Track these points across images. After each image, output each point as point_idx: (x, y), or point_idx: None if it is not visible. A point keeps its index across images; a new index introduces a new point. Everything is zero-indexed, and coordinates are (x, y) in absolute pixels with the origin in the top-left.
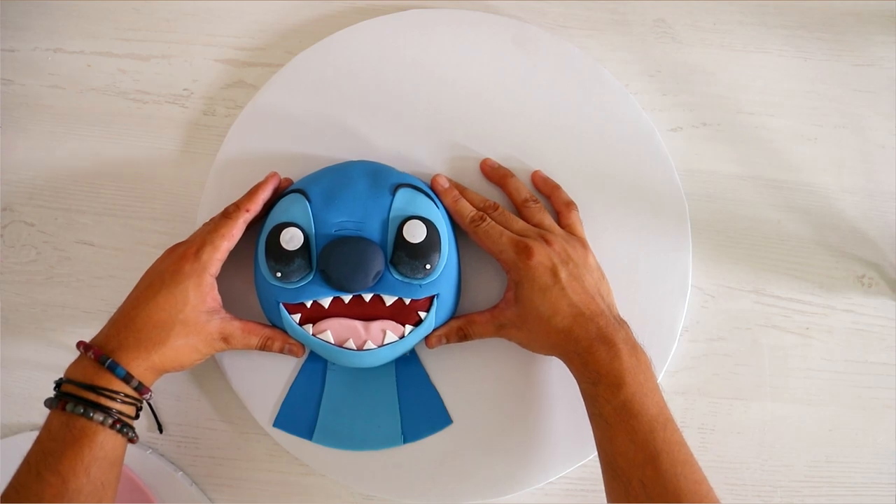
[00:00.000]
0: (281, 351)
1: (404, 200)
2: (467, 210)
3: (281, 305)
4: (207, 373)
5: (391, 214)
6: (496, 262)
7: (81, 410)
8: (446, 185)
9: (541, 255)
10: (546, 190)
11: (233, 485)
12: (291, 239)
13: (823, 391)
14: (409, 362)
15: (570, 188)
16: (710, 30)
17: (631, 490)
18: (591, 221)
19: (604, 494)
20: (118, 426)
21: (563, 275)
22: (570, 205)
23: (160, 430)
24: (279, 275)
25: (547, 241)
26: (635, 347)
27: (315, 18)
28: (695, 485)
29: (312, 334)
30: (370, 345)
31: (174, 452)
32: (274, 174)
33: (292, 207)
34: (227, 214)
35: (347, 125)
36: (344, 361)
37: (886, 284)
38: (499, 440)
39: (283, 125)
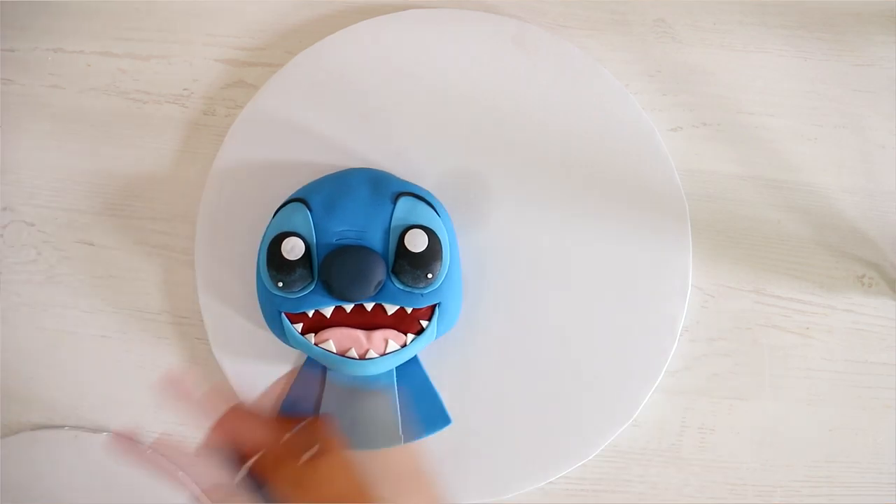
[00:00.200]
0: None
1: (406, 209)
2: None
3: (283, 315)
4: (207, 373)
5: (392, 223)
6: (499, 270)
7: None
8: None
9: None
10: None
11: None
12: (293, 248)
13: (823, 391)
14: (408, 363)
15: (570, 188)
16: (710, 30)
17: None
18: (591, 222)
19: (605, 494)
20: None
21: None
22: None
23: None
24: (281, 284)
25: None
26: None
27: (315, 18)
28: None
29: (314, 343)
30: (372, 354)
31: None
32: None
33: (293, 216)
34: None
35: (347, 124)
36: (346, 370)
37: (886, 284)
38: (499, 440)
39: (283, 125)
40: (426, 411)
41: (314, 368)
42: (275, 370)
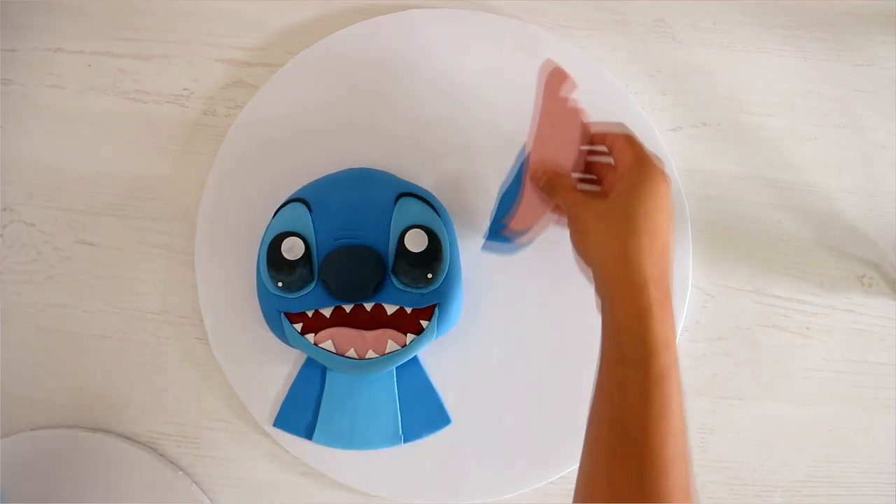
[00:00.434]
0: None
1: (406, 209)
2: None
3: (283, 315)
4: (207, 373)
5: (393, 223)
6: (499, 269)
7: None
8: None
9: (667, 179)
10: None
11: (233, 485)
12: (292, 248)
13: (823, 391)
14: (409, 362)
15: None
16: (710, 30)
17: (647, 462)
18: None
19: None
20: None
21: (670, 213)
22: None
23: None
24: (280, 284)
25: None
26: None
27: (315, 18)
28: (692, 481)
29: (314, 343)
30: (372, 354)
31: (174, 452)
32: None
33: (293, 216)
34: None
35: (347, 124)
36: (346, 370)
37: (886, 284)
38: (499, 440)
39: (283, 125)
40: (426, 411)
41: (314, 368)
42: (275, 370)
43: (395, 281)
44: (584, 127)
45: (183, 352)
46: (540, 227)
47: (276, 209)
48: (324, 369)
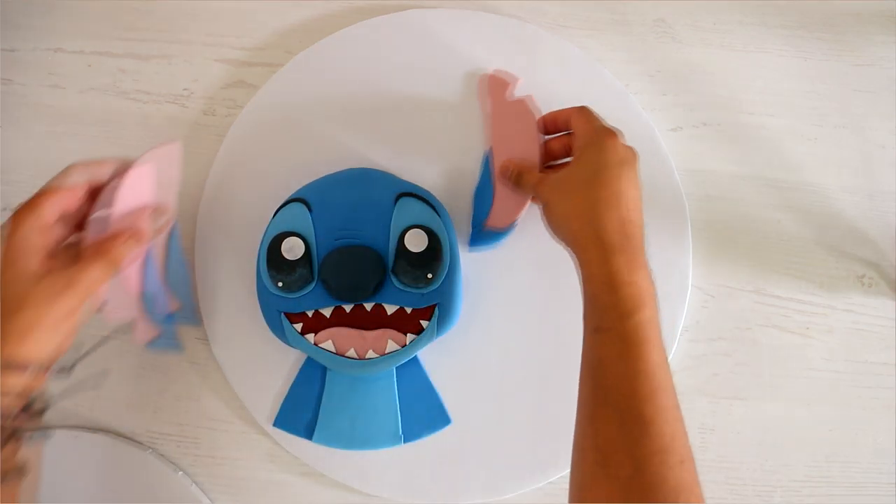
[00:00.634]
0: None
1: (406, 209)
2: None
3: (282, 315)
4: (207, 373)
5: (393, 223)
6: (499, 270)
7: None
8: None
9: (621, 143)
10: (563, 125)
11: (233, 485)
12: (292, 248)
13: (823, 391)
14: (408, 363)
15: None
16: (710, 30)
17: (626, 423)
18: None
19: None
20: None
21: (629, 170)
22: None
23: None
24: (281, 284)
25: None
26: (652, 280)
27: (315, 18)
28: (683, 437)
29: (314, 343)
30: (372, 354)
31: (174, 452)
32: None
33: (293, 216)
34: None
35: (347, 124)
36: (346, 370)
37: (886, 284)
38: (499, 440)
39: (283, 125)
40: (426, 411)
41: (314, 368)
42: (275, 370)
43: (395, 281)
44: (540, 120)
45: (183, 352)
46: (519, 218)
47: (276, 209)
48: (324, 369)
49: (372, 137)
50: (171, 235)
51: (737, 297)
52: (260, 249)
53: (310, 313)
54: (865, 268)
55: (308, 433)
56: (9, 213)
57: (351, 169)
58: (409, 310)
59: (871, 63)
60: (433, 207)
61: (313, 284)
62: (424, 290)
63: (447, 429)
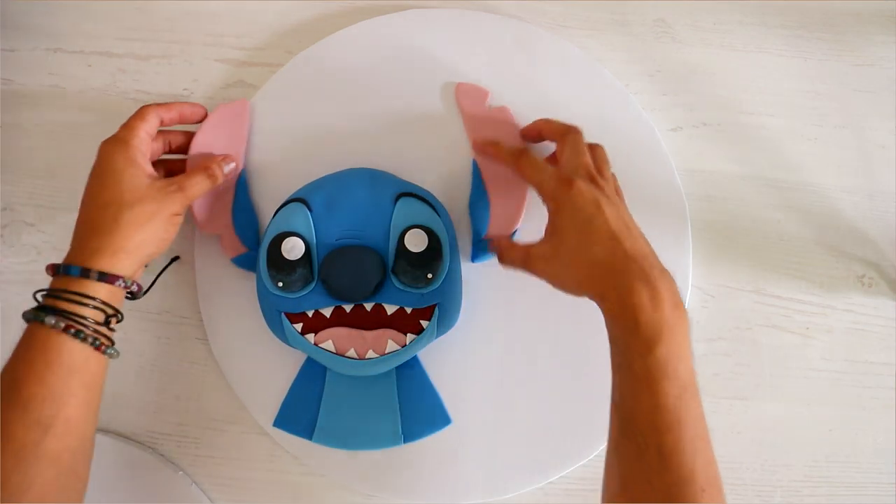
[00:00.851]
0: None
1: (406, 209)
2: (512, 145)
3: (283, 315)
4: (207, 373)
5: (393, 223)
6: (498, 270)
7: (31, 316)
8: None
9: (582, 186)
10: (549, 136)
11: (233, 485)
12: (293, 248)
13: (823, 391)
14: (409, 362)
15: None
16: (710, 30)
17: (646, 455)
18: None
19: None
20: (72, 331)
21: (605, 207)
22: (595, 147)
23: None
24: (281, 284)
25: (592, 179)
26: (679, 304)
27: (315, 18)
28: (707, 465)
29: (314, 343)
30: (372, 354)
31: (174, 452)
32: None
33: (293, 217)
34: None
35: (347, 125)
36: (346, 370)
37: (886, 284)
38: (499, 440)
39: (283, 125)
40: (426, 411)
41: (314, 368)
42: (275, 370)
43: (395, 281)
44: (525, 129)
45: (183, 352)
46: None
47: (276, 209)
48: (324, 369)
49: (372, 137)
50: (238, 185)
51: (737, 297)
52: (260, 249)
53: (310, 313)
54: (865, 268)
55: (308, 433)
56: (9, 213)
57: (351, 169)
58: (409, 310)
59: (871, 63)
60: (433, 207)
61: (313, 284)
62: (424, 290)
63: (447, 429)
